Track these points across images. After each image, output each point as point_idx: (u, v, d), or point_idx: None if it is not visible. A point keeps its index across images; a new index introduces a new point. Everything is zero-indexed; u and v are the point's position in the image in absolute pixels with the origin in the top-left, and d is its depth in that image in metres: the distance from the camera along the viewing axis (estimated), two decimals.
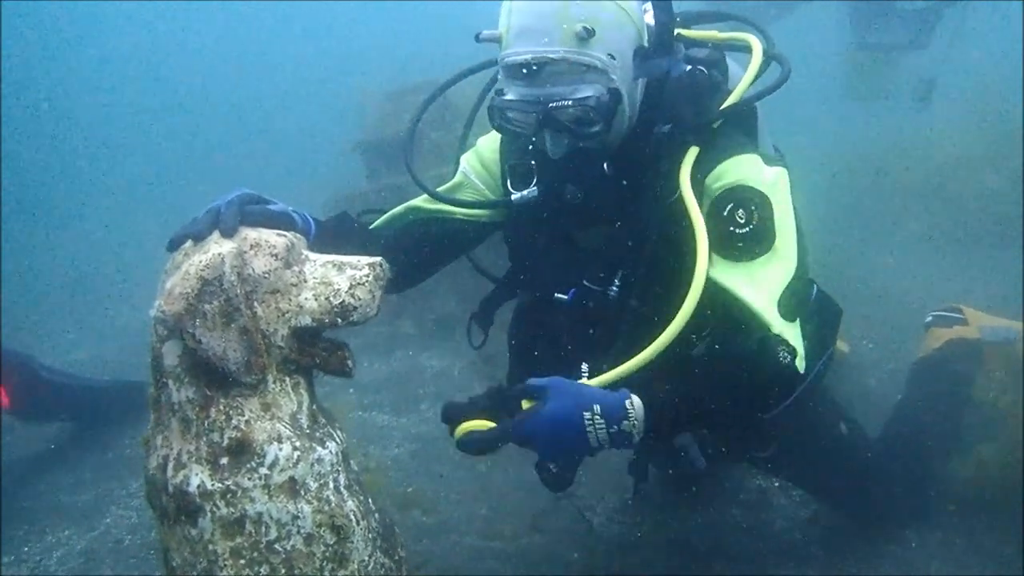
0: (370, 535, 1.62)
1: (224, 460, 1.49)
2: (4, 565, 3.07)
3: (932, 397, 2.97)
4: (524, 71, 1.74)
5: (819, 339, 2.15)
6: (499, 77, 1.88)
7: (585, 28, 1.69)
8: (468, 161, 2.28)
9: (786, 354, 1.69)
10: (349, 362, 1.65)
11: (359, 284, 1.59)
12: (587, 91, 1.74)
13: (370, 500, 1.70)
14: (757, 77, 1.97)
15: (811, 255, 2.58)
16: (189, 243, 1.57)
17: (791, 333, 1.76)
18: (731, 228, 1.80)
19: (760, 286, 1.78)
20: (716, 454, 2.10)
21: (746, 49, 2.04)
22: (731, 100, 1.92)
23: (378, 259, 1.64)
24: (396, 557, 1.73)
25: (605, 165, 1.91)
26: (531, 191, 1.98)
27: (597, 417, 1.61)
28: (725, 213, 1.81)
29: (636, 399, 1.64)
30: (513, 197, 2.01)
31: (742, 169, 1.85)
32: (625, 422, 1.62)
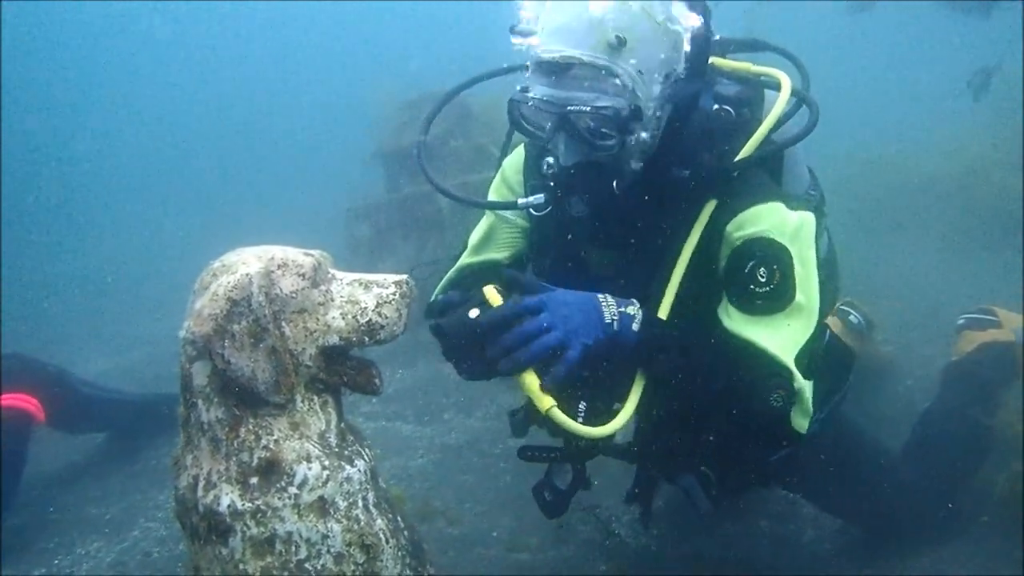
0: (399, 553, 1.62)
1: (254, 480, 1.49)
2: None
3: (964, 402, 2.92)
4: (550, 69, 1.72)
5: (833, 381, 2.20)
6: (527, 73, 1.84)
7: (618, 37, 1.65)
8: (496, 191, 2.28)
9: (779, 399, 1.68)
10: (377, 380, 1.65)
11: (386, 302, 1.59)
12: (608, 101, 1.70)
13: (399, 517, 1.70)
14: (783, 121, 1.91)
15: (840, 277, 2.58)
16: (217, 263, 1.57)
17: (807, 392, 1.75)
18: (751, 286, 1.78)
19: (781, 339, 1.76)
20: (721, 494, 2.07)
21: (775, 87, 1.97)
22: (748, 149, 1.86)
23: (404, 277, 1.64)
24: (425, 574, 1.72)
25: (615, 183, 1.84)
26: (537, 197, 1.94)
27: (608, 297, 1.71)
28: (747, 270, 1.78)
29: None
30: (519, 201, 1.99)
31: (764, 220, 1.80)
32: (631, 307, 1.72)
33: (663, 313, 1.81)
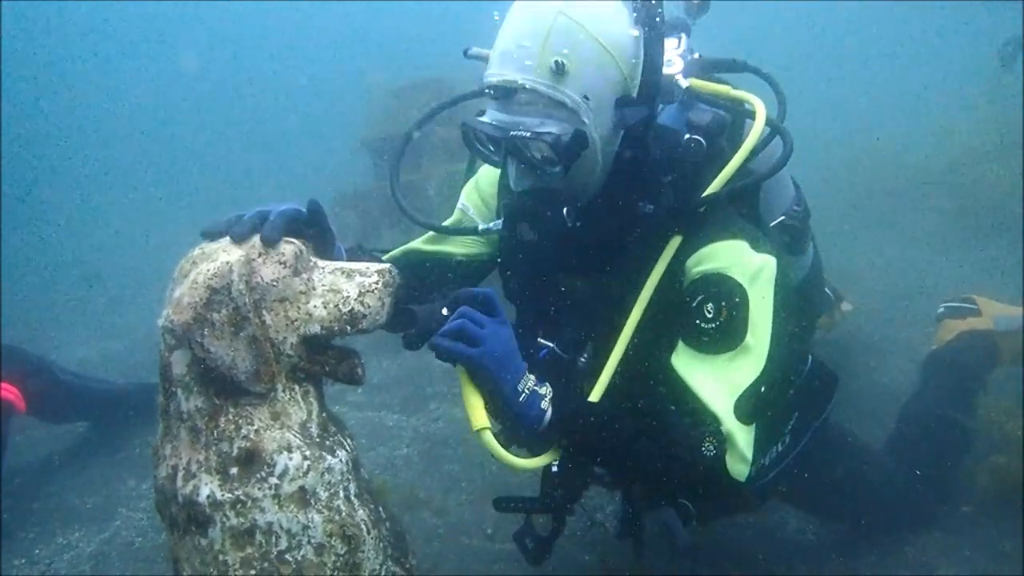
0: (381, 544, 1.61)
1: (234, 470, 1.48)
2: (15, 567, 3.08)
3: (945, 391, 2.94)
4: (497, 94, 1.69)
5: (812, 407, 2.20)
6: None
7: (557, 63, 1.60)
8: (467, 195, 2.24)
9: (711, 447, 1.62)
10: (359, 370, 1.63)
11: (368, 291, 1.57)
12: (551, 127, 1.65)
13: (380, 508, 1.69)
14: (758, 150, 1.83)
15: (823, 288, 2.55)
16: (197, 250, 1.55)
17: (741, 436, 1.65)
18: (697, 321, 1.71)
19: (720, 382, 1.68)
20: (701, 525, 2.07)
21: (750, 115, 1.87)
22: (716, 185, 1.77)
23: (387, 266, 1.62)
24: (407, 565, 1.72)
25: (565, 211, 1.75)
26: (496, 223, 1.90)
27: (531, 377, 1.67)
28: (695, 304, 1.72)
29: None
30: (480, 227, 1.99)
31: (724, 257, 1.73)
32: (543, 388, 1.67)
33: (618, 352, 1.75)
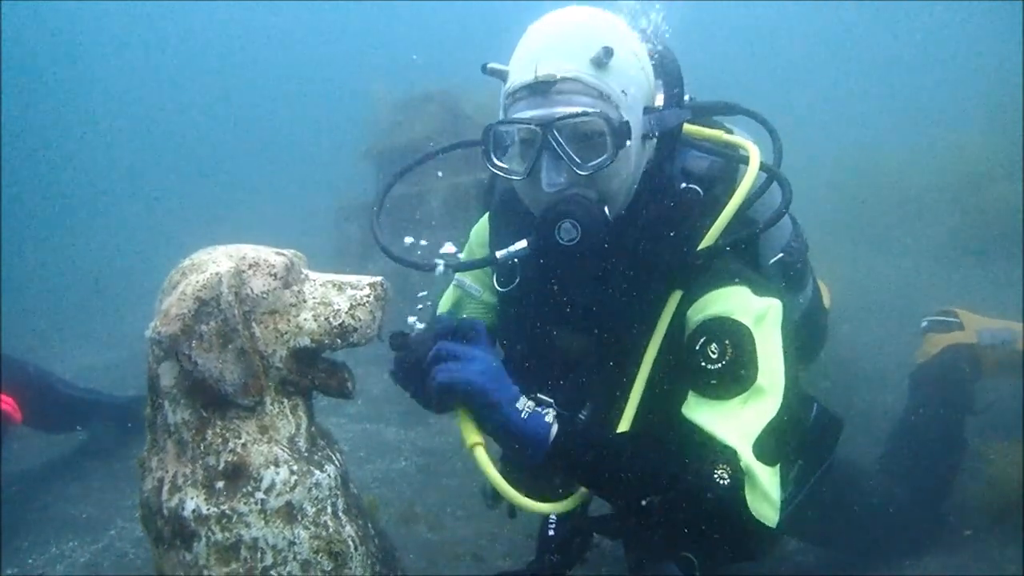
0: (369, 560, 1.59)
1: (220, 484, 1.46)
2: None
3: (933, 406, 2.92)
4: (532, 91, 1.61)
5: (816, 454, 2.12)
6: (501, 111, 1.73)
7: (605, 49, 1.56)
8: (467, 255, 2.19)
9: (725, 476, 1.45)
10: (349, 384, 1.62)
11: (359, 304, 1.56)
12: (600, 107, 1.58)
13: (369, 524, 1.67)
14: (754, 198, 1.76)
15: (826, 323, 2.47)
16: (186, 261, 1.54)
17: (764, 474, 1.50)
18: (702, 363, 1.59)
19: (735, 423, 1.54)
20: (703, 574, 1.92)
21: (744, 160, 1.80)
22: (710, 238, 1.70)
23: (379, 279, 1.60)
24: None
25: (606, 209, 1.66)
26: (519, 244, 1.74)
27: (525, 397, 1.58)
28: (697, 347, 1.62)
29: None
30: (499, 253, 1.78)
31: (725, 302, 1.65)
32: (546, 409, 1.57)
33: (629, 414, 1.66)
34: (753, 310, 1.63)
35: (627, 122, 1.61)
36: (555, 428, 1.54)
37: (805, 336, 2.36)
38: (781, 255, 2.11)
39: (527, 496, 1.60)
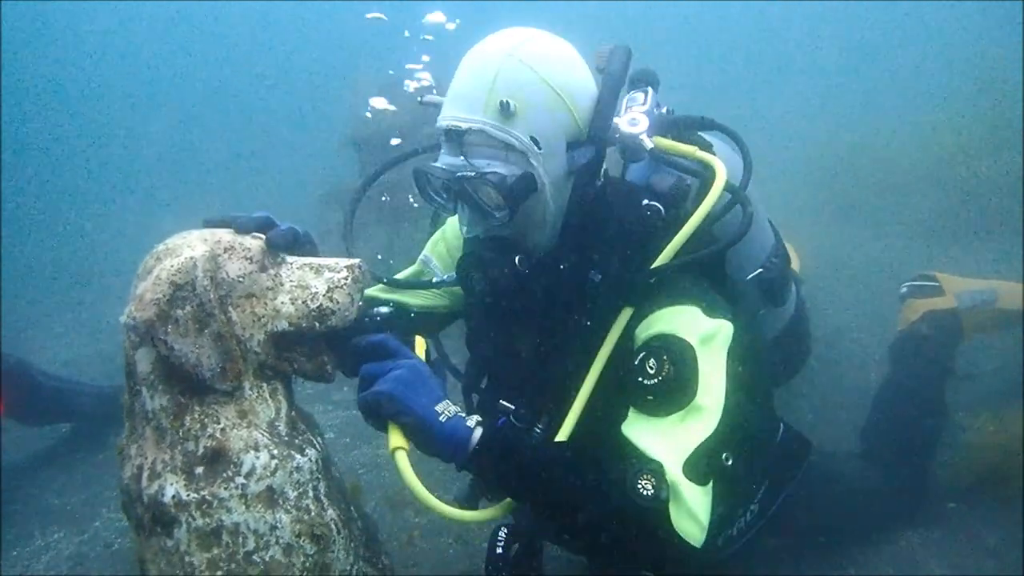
0: (352, 544, 1.59)
1: (199, 469, 1.45)
2: None
3: (914, 374, 2.92)
4: (448, 137, 1.66)
5: (782, 476, 2.15)
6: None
7: (503, 103, 1.58)
8: (431, 246, 2.20)
9: (649, 488, 1.43)
10: (328, 367, 1.61)
11: (337, 287, 1.54)
12: (498, 168, 1.62)
13: (352, 508, 1.66)
14: (716, 217, 1.74)
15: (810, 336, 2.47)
16: (161, 246, 1.53)
17: (691, 492, 1.46)
18: (639, 379, 1.57)
19: (667, 440, 1.51)
20: None
21: (710, 178, 1.78)
22: (665, 256, 1.68)
23: (357, 261, 1.59)
24: (380, 565, 1.69)
25: (517, 260, 1.70)
26: (451, 275, 1.82)
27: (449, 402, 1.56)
28: (636, 362, 1.60)
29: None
30: (434, 279, 1.97)
31: (672, 320, 1.62)
32: (470, 420, 1.54)
33: (567, 428, 1.63)
34: (700, 330, 1.60)
35: (530, 175, 1.63)
36: (477, 433, 1.52)
37: (788, 350, 2.36)
38: (760, 271, 2.10)
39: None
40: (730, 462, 1.58)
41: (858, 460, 2.70)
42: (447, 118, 1.66)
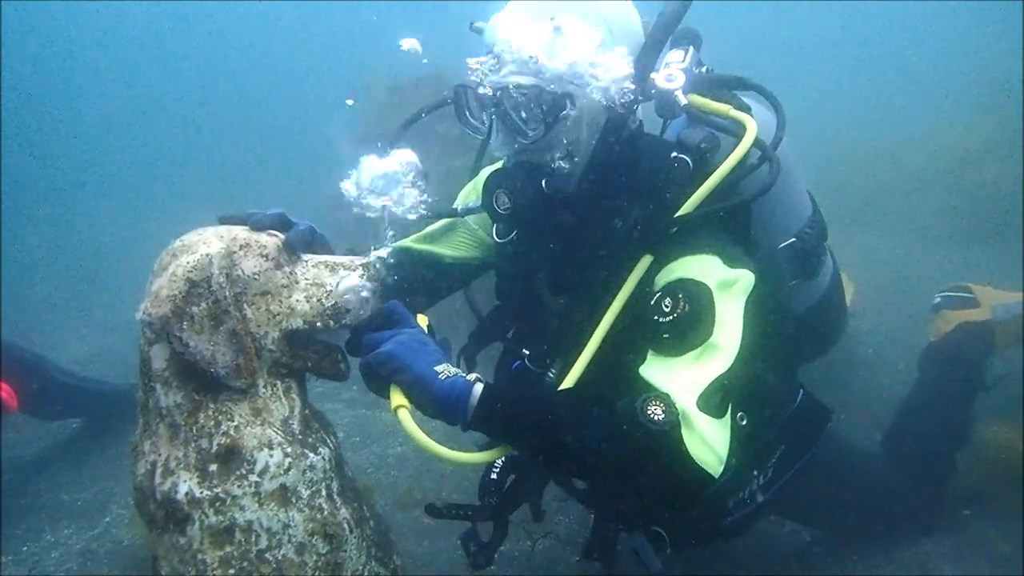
0: (364, 543, 1.58)
1: (213, 467, 1.45)
2: (3, 564, 3.05)
3: (943, 385, 2.88)
4: (494, 58, 1.69)
5: (799, 442, 2.14)
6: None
7: (555, 25, 1.61)
8: (463, 195, 2.22)
9: (659, 412, 1.42)
10: (342, 365, 1.60)
11: (352, 285, 1.54)
12: (537, 83, 1.65)
13: (364, 507, 1.66)
14: (744, 173, 1.75)
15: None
16: (177, 243, 1.52)
17: (705, 422, 1.46)
18: (655, 318, 1.58)
19: (680, 376, 1.52)
20: (675, 552, 1.93)
21: (740, 135, 1.78)
22: (689, 206, 1.69)
23: (372, 259, 1.59)
24: (392, 565, 1.68)
25: (544, 182, 1.72)
26: (475, 202, 1.88)
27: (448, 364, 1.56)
28: (652, 302, 1.61)
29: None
30: (458, 207, 1.97)
31: (691, 267, 1.63)
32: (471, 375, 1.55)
33: (575, 372, 1.64)
34: (719, 276, 1.61)
35: (568, 94, 1.66)
36: (478, 387, 1.51)
37: (817, 327, 2.33)
38: (793, 240, 2.09)
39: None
40: (744, 422, 1.59)
41: (877, 459, 2.68)
42: (492, 38, 1.69)
